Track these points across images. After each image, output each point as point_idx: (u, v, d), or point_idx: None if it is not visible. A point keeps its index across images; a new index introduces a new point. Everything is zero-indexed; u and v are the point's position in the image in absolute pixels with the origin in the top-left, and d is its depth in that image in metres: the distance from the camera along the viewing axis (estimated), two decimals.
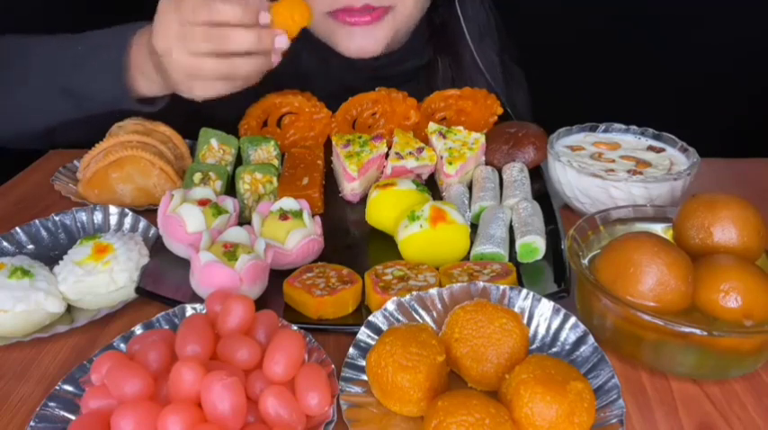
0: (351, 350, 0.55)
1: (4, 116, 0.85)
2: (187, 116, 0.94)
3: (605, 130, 0.88)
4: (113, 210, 0.76)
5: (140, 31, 0.78)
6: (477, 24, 1.04)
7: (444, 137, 0.86)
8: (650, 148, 0.85)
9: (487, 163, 0.87)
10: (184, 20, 0.69)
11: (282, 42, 0.73)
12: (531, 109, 1.15)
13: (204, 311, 0.57)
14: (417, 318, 0.58)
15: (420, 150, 0.83)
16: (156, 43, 0.71)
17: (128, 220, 0.75)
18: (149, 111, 0.82)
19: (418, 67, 1.06)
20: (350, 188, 0.82)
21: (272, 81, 0.99)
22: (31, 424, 0.48)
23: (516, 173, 0.82)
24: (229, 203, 0.74)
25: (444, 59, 1.06)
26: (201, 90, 0.74)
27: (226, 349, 0.51)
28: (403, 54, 1.01)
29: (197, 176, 0.81)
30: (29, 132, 0.88)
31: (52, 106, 0.82)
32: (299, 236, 0.67)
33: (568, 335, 0.56)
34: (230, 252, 0.62)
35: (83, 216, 0.76)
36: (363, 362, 0.53)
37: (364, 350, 0.55)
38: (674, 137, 0.85)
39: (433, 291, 0.59)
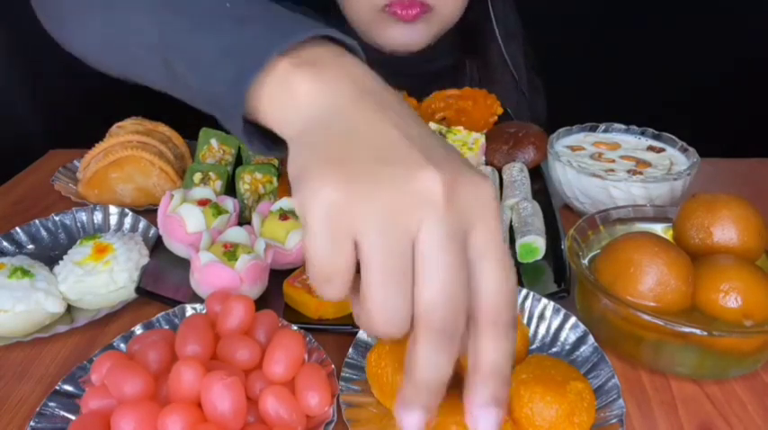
0: (351, 350, 0.55)
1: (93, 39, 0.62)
2: (187, 116, 0.94)
3: (605, 130, 0.88)
4: (113, 210, 0.76)
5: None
6: (505, 25, 1.05)
7: (444, 137, 0.86)
8: (650, 148, 0.85)
9: (487, 163, 0.87)
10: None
11: None
12: (548, 117, 1.15)
13: (204, 311, 0.57)
14: None
15: None
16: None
17: (128, 220, 0.75)
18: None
19: (446, 66, 1.06)
20: None
21: None
22: (31, 424, 0.48)
23: (516, 173, 0.82)
24: (229, 203, 0.74)
25: (472, 59, 1.06)
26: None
27: (226, 349, 0.51)
28: (431, 53, 1.01)
29: (197, 176, 0.81)
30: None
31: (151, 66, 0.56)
32: (299, 236, 0.67)
33: (568, 335, 0.56)
34: (230, 252, 0.62)
35: (83, 216, 0.76)
36: (363, 362, 0.53)
37: (365, 350, 0.55)
38: (674, 137, 0.85)
39: None
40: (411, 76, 0.97)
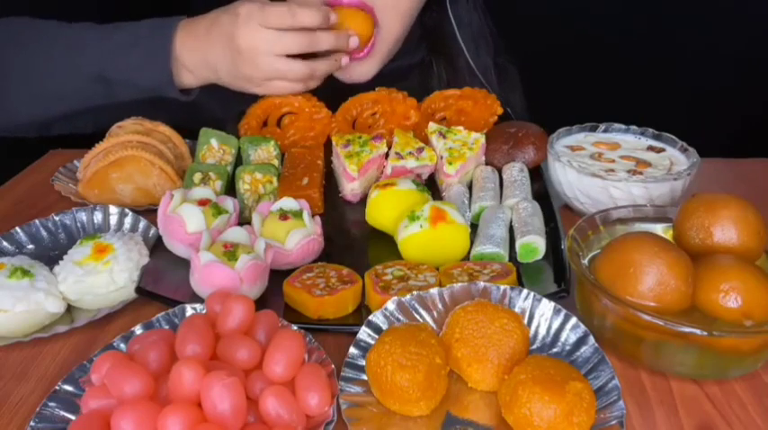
0: (351, 349, 0.55)
1: (20, 100, 0.87)
2: (187, 116, 0.94)
3: (605, 130, 0.88)
4: (113, 210, 0.76)
5: (181, 24, 0.83)
6: (470, 28, 1.04)
7: (444, 137, 0.86)
8: (650, 148, 0.85)
9: (487, 163, 0.87)
10: (269, 25, 0.77)
11: (355, 42, 0.83)
12: (528, 108, 1.14)
13: (204, 311, 0.57)
14: (418, 317, 0.58)
15: (420, 150, 0.83)
16: (242, 43, 0.77)
17: (128, 220, 0.75)
18: (185, 100, 0.87)
19: (411, 65, 1.06)
20: (350, 188, 0.82)
21: None
22: (31, 424, 0.48)
23: (516, 173, 0.82)
24: (229, 203, 0.74)
25: (438, 60, 1.06)
26: (276, 90, 0.84)
27: (226, 349, 0.51)
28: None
29: (197, 176, 0.81)
30: (42, 118, 0.90)
31: (81, 91, 0.86)
32: (299, 236, 0.67)
33: (569, 335, 0.56)
34: (230, 252, 0.62)
35: (83, 216, 0.76)
36: (364, 362, 0.53)
37: (365, 349, 0.55)
38: (674, 137, 0.85)
39: (434, 290, 0.59)
40: (377, 75, 0.96)
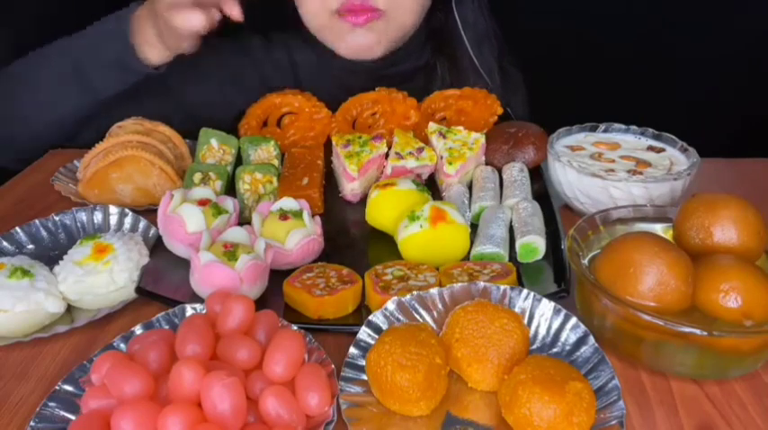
0: (351, 349, 0.55)
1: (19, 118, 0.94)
2: (187, 116, 0.94)
3: (605, 130, 0.88)
4: (113, 210, 0.76)
5: (139, 5, 0.87)
6: (475, 29, 1.05)
7: (444, 137, 0.86)
8: (650, 148, 0.85)
9: (487, 163, 0.87)
10: None
11: None
12: (530, 111, 1.15)
13: (204, 311, 0.57)
14: (418, 317, 0.58)
15: (420, 150, 0.83)
16: None
17: (128, 220, 0.75)
18: (155, 74, 0.90)
19: (416, 68, 1.06)
20: (350, 188, 0.82)
21: (272, 81, 0.98)
22: (31, 424, 0.48)
23: (516, 173, 0.82)
24: (229, 203, 0.74)
25: (443, 62, 1.06)
26: (181, 21, 0.80)
27: (226, 349, 0.51)
28: (400, 55, 1.01)
29: (197, 176, 0.81)
30: (41, 129, 0.95)
31: (63, 95, 0.91)
32: (299, 236, 0.67)
33: (569, 335, 0.56)
34: (230, 252, 0.62)
35: (83, 216, 0.76)
36: (364, 362, 0.53)
37: (365, 349, 0.54)
38: (674, 137, 0.85)
39: (434, 290, 0.59)
40: (383, 78, 0.98)
